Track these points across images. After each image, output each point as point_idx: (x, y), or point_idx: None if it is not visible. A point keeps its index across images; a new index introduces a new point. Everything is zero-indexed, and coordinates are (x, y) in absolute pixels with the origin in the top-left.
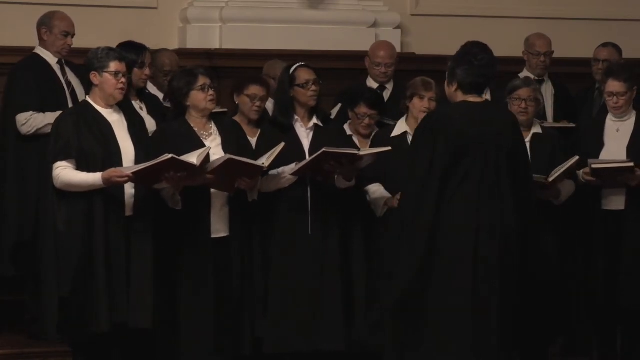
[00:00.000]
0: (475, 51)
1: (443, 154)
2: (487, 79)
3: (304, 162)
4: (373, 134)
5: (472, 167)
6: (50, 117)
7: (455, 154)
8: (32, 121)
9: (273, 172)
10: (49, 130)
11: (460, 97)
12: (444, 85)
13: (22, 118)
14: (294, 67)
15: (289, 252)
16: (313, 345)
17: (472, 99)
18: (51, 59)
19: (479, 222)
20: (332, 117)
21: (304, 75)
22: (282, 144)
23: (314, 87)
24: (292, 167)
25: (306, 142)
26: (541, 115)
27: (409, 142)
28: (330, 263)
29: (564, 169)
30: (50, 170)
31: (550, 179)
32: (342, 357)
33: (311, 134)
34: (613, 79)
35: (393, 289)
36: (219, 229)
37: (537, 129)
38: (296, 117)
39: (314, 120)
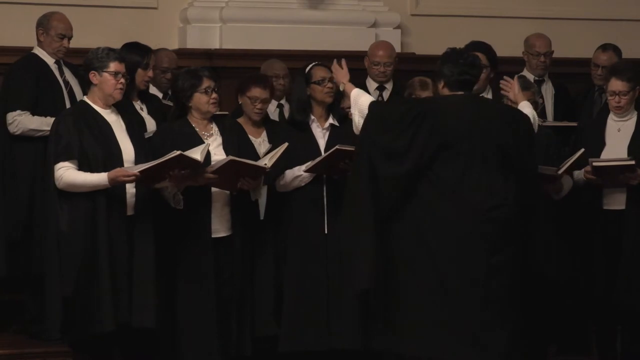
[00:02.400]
0: (461, 50)
1: (425, 142)
2: (471, 77)
3: (318, 159)
4: None
5: (455, 160)
6: (36, 123)
7: (439, 144)
8: (17, 122)
9: (289, 171)
10: (35, 135)
11: (447, 94)
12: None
13: (9, 117)
14: (310, 65)
15: (305, 250)
16: (329, 344)
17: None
18: (48, 59)
19: (460, 215)
20: None
21: (320, 72)
22: (285, 145)
23: (329, 84)
24: (308, 165)
25: (322, 142)
26: (541, 115)
27: None
28: None
29: (571, 161)
30: (51, 171)
31: (560, 171)
32: (358, 356)
33: (327, 133)
34: (616, 78)
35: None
36: (220, 229)
37: None
38: (313, 117)
39: (330, 119)
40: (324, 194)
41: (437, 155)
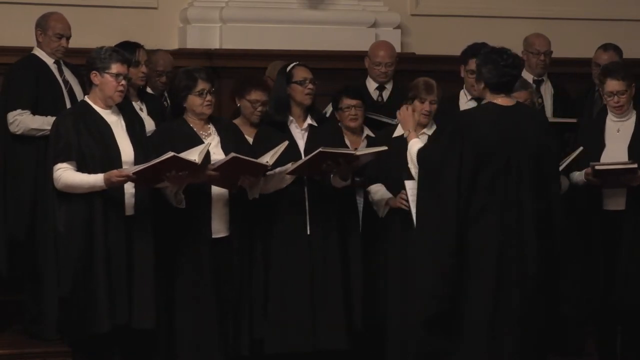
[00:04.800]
0: (501, 50)
1: (469, 163)
2: (512, 78)
3: (300, 162)
4: (365, 133)
5: (496, 174)
6: (38, 122)
7: (478, 161)
8: (19, 121)
9: (270, 173)
10: (37, 134)
11: (488, 96)
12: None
13: (10, 117)
14: (291, 65)
15: (288, 251)
16: (314, 344)
17: (500, 100)
18: (48, 60)
19: (503, 230)
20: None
21: (302, 73)
22: (286, 143)
23: (310, 86)
24: (289, 167)
25: (301, 143)
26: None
27: None
28: (329, 262)
29: (571, 158)
30: (50, 172)
31: (560, 168)
32: (343, 356)
33: (306, 134)
34: (612, 78)
35: (426, 305)
36: (219, 229)
37: None
38: (291, 117)
39: (309, 120)
40: (306, 195)
41: (478, 175)
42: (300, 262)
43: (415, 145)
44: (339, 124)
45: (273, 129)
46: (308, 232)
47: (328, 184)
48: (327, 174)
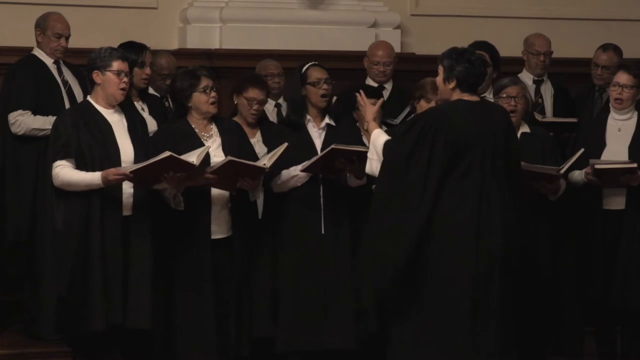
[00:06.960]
0: (471, 49)
1: (442, 154)
2: (483, 78)
3: (314, 159)
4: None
5: (470, 166)
6: (39, 122)
7: (454, 154)
8: (20, 122)
9: (285, 171)
10: (38, 134)
11: (456, 95)
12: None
13: (11, 117)
14: (307, 66)
15: (302, 250)
16: (324, 344)
17: (467, 97)
18: (47, 60)
19: (480, 220)
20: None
21: (316, 73)
22: (285, 145)
23: (325, 86)
24: (304, 164)
25: (318, 142)
26: (540, 113)
27: None
28: (341, 261)
29: (572, 161)
30: (49, 170)
31: (562, 170)
32: (353, 356)
33: (323, 133)
34: (624, 70)
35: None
36: (219, 230)
37: (525, 129)
38: (308, 116)
39: (326, 120)
40: (321, 193)
41: (452, 167)
42: (313, 261)
43: (380, 136)
44: (357, 124)
45: (289, 128)
46: (322, 232)
47: (343, 183)
48: (342, 172)
